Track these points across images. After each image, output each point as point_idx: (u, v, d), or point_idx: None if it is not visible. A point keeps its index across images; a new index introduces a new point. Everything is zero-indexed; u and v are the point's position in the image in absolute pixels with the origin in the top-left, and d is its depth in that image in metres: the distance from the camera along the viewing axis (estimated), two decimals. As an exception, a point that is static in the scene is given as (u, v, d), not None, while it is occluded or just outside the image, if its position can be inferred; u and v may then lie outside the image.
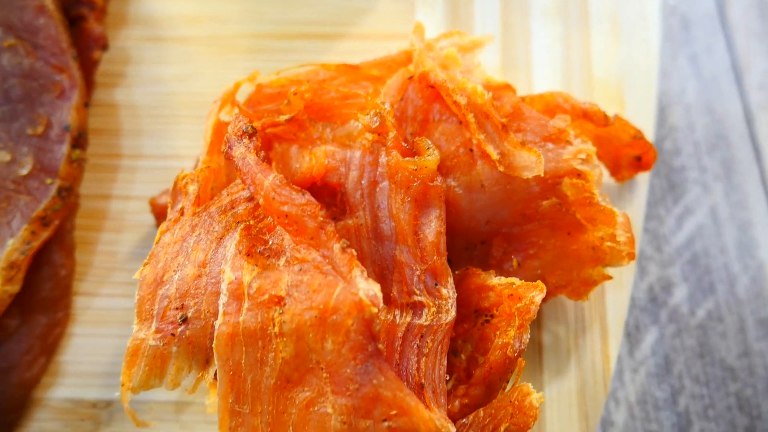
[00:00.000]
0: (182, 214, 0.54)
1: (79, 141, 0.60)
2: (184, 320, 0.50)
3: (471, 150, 0.57)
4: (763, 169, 0.72)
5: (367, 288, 0.47)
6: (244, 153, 0.51)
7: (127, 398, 0.51)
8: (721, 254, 0.70)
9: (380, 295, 0.47)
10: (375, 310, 0.47)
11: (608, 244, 0.56)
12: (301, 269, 0.49)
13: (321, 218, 0.49)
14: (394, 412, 0.46)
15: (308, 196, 0.50)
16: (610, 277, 0.57)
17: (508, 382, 0.54)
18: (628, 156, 0.63)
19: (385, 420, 0.47)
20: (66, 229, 0.61)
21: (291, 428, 0.49)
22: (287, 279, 0.48)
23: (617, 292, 0.62)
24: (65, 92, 0.60)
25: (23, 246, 0.56)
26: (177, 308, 0.50)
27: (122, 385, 0.51)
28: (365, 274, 0.48)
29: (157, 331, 0.50)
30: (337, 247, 0.49)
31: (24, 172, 0.58)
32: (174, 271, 0.52)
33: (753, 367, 0.67)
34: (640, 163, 0.63)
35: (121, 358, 0.60)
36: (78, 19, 0.64)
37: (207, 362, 0.51)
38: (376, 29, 0.68)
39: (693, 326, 0.68)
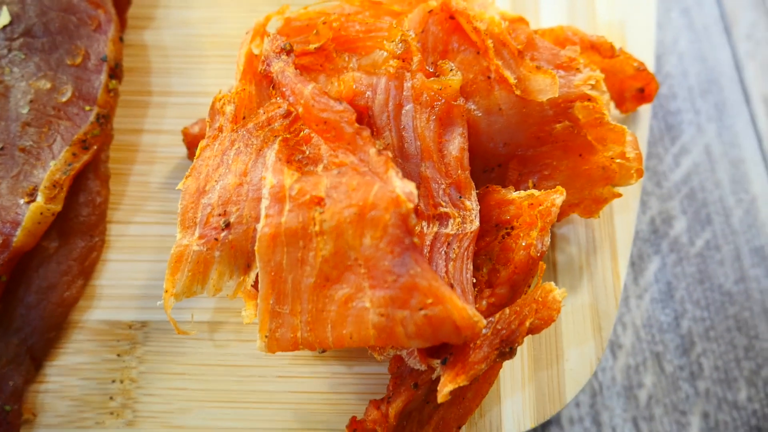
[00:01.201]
0: (221, 131, 0.57)
1: (116, 72, 0.62)
2: (227, 225, 0.53)
3: (489, 77, 0.61)
4: (752, 111, 0.77)
5: (403, 185, 0.51)
6: (282, 67, 0.54)
7: (170, 304, 0.53)
8: (716, 189, 0.75)
9: (415, 191, 0.50)
10: (411, 205, 0.50)
11: (618, 161, 0.60)
12: (339, 172, 0.52)
13: (357, 124, 0.52)
14: (430, 300, 0.50)
15: (345, 104, 0.53)
16: (619, 195, 0.61)
17: (529, 286, 0.58)
18: (632, 88, 0.67)
19: (421, 309, 0.50)
20: (101, 159, 0.63)
21: (329, 325, 0.52)
22: (326, 181, 0.51)
23: (625, 214, 0.66)
24: (101, 26, 0.63)
25: (65, 167, 0.59)
26: (219, 214, 0.53)
27: (165, 291, 0.53)
28: (400, 174, 0.51)
29: (201, 236, 0.53)
30: (372, 150, 0.52)
31: (64, 99, 0.61)
32: (215, 181, 0.54)
33: (749, 291, 0.72)
34: (643, 95, 0.67)
35: (155, 282, 0.62)
36: (110, -40, 0.67)
37: (248, 266, 0.54)
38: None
39: (692, 255, 0.73)
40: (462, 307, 0.50)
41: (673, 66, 0.79)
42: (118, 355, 0.60)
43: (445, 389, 0.51)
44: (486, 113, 0.60)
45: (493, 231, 0.60)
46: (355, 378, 0.61)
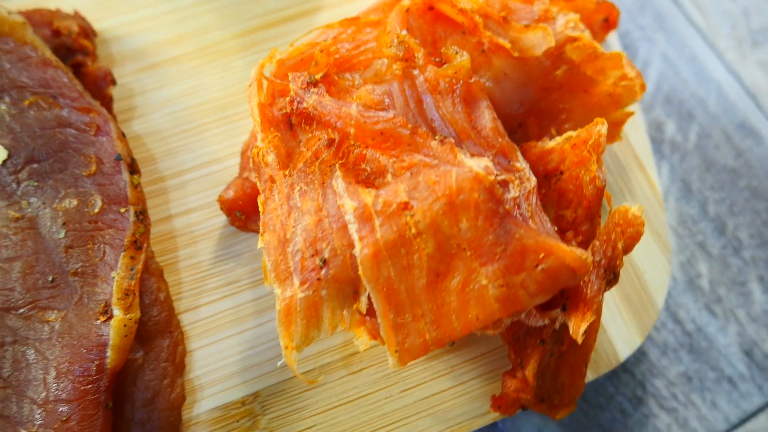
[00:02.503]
0: (273, 181, 0.57)
1: (133, 166, 0.61)
2: (324, 262, 0.53)
3: (483, 51, 0.64)
4: (685, 11, 0.85)
5: (477, 162, 0.53)
6: (317, 99, 0.55)
7: (294, 359, 0.53)
8: (686, 86, 0.82)
9: (491, 164, 0.53)
10: (492, 177, 0.52)
11: (622, 84, 0.65)
12: (412, 173, 0.53)
13: (410, 125, 0.54)
14: (542, 255, 0.52)
15: (392, 111, 0.55)
16: (632, 113, 0.66)
17: (600, 217, 0.61)
18: (597, 20, 0.73)
19: (537, 265, 0.52)
20: (148, 255, 0.61)
21: (453, 316, 0.54)
22: (404, 186, 0.53)
23: (635, 130, 0.71)
24: (101, 128, 0.61)
25: (128, 272, 0.57)
26: (312, 255, 0.53)
27: (285, 348, 0.53)
28: (468, 154, 0.54)
29: (302, 282, 0.53)
30: (434, 143, 0.54)
31: (96, 209, 0.59)
32: (293, 227, 0.54)
33: (748, 161, 0.79)
34: (608, 23, 0.73)
35: (248, 352, 0.62)
36: (77, 66, 0.65)
37: (356, 293, 0.54)
38: (345, -7, 0.74)
39: (691, 149, 0.79)
40: (570, 251, 0.53)
41: (605, -5, 0.86)
42: (244, 435, 0.59)
43: (580, 329, 0.54)
44: (495, 82, 0.64)
45: (544, 182, 0.63)
46: (472, 363, 0.62)
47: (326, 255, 0.53)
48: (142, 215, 0.60)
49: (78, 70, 0.65)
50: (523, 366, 0.58)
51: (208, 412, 0.59)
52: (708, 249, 0.75)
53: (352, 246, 0.53)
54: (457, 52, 0.61)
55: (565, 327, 0.58)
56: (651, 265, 0.66)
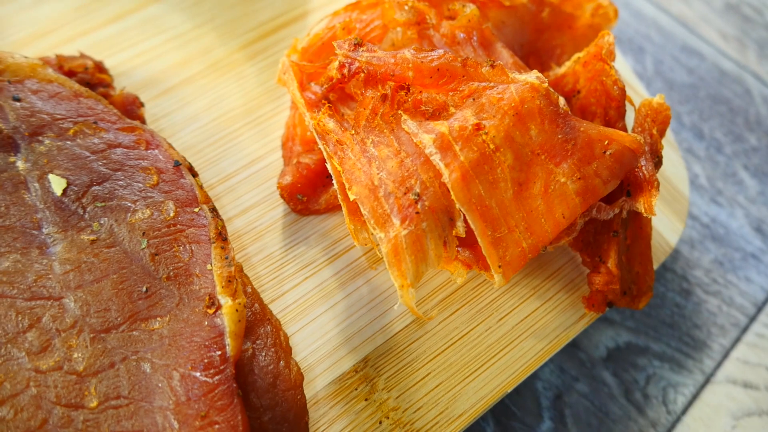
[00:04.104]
0: (341, 143, 0.59)
1: (193, 170, 0.61)
2: (417, 196, 0.56)
3: (478, 6, 0.71)
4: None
5: (529, 75, 0.58)
6: (370, 55, 0.59)
7: (411, 296, 0.55)
8: (628, 27, 0.93)
9: (539, 73, 0.58)
10: (545, 84, 0.58)
11: (600, 12, 0.74)
12: (474, 98, 0.58)
13: (460, 57, 0.59)
14: (606, 141, 0.58)
15: (440, 49, 0.59)
16: (614, 37, 0.75)
17: (625, 123, 0.68)
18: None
19: (605, 151, 0.58)
20: (223, 254, 0.61)
21: (543, 219, 0.58)
22: (470, 111, 0.57)
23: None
24: (150, 142, 0.62)
25: (224, 261, 0.57)
26: (405, 193, 0.56)
27: (401, 287, 0.55)
28: (516, 72, 0.59)
29: (403, 219, 0.55)
30: (486, 68, 0.59)
31: (171, 214, 0.58)
32: (377, 174, 0.57)
33: (701, 75, 0.90)
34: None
35: (343, 324, 0.62)
36: (103, 97, 0.65)
37: (451, 220, 0.57)
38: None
39: (652, 75, 0.89)
40: (627, 135, 0.59)
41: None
42: (366, 399, 0.59)
43: (652, 204, 0.59)
44: (497, 30, 0.70)
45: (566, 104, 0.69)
46: (551, 280, 0.66)
47: (418, 189, 0.56)
48: (215, 211, 0.60)
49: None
50: (604, 260, 0.63)
51: (325, 388, 0.59)
52: (696, 152, 0.84)
53: (439, 175, 0.56)
54: (464, 5, 0.67)
55: (627, 221, 0.64)
56: (668, 163, 0.74)
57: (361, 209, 0.56)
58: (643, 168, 0.61)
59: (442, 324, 0.63)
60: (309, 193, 0.66)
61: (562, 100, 0.60)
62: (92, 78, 0.66)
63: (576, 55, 0.68)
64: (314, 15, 0.78)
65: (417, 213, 0.56)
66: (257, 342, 0.58)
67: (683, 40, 0.92)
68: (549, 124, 0.57)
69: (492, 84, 0.58)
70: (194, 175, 0.61)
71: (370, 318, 0.62)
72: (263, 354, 0.58)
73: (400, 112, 0.59)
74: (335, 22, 0.69)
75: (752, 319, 0.74)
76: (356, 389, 0.59)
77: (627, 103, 0.66)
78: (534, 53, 0.74)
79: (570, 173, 0.57)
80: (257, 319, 0.59)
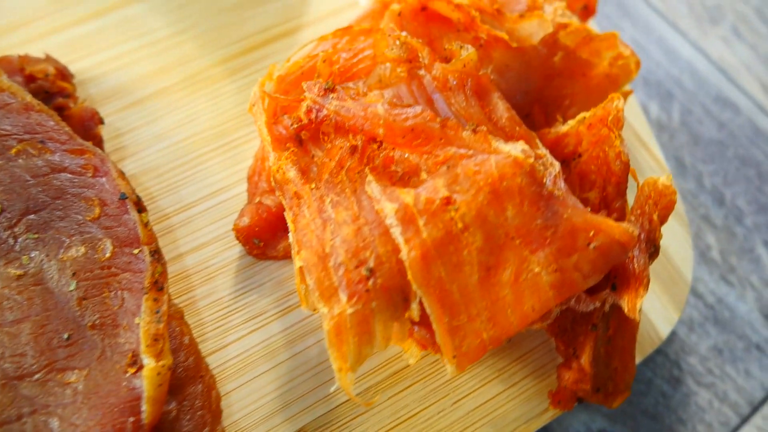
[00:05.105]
0: (299, 197, 0.54)
1: (140, 204, 0.57)
2: (371, 272, 0.50)
3: (480, 45, 0.64)
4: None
5: (514, 147, 0.52)
6: (339, 104, 0.53)
7: (350, 381, 0.50)
8: (660, 68, 0.84)
9: (527, 147, 0.52)
10: (531, 160, 0.51)
11: (619, 63, 0.66)
12: (448, 167, 0.52)
13: (439, 118, 0.53)
14: (592, 233, 0.51)
15: (419, 105, 0.53)
16: (631, 91, 0.67)
17: (626, 199, 0.61)
18: (577, 8, 0.74)
19: (589, 244, 0.51)
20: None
21: (509, 310, 0.52)
22: (442, 181, 0.51)
23: (632, 109, 0.72)
24: (98, 168, 0.57)
25: (154, 315, 0.52)
26: (357, 266, 0.50)
27: (339, 370, 0.50)
28: (502, 141, 0.53)
29: (350, 296, 0.50)
30: (467, 133, 0.53)
31: (107, 254, 0.54)
32: (331, 240, 0.51)
33: (731, 130, 0.81)
34: (587, 10, 0.74)
35: (287, 386, 0.58)
36: (60, 109, 0.61)
37: (406, 300, 0.51)
38: (323, 11, 0.73)
39: (677, 126, 0.81)
40: (617, 226, 0.52)
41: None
42: (297, 476, 0.54)
43: (636, 305, 0.53)
44: (498, 74, 0.63)
45: (563, 167, 0.62)
46: (519, 363, 0.60)
47: (371, 264, 0.50)
48: (157, 254, 0.55)
49: (61, 113, 0.61)
50: (578, 355, 0.56)
51: (255, 457, 0.55)
52: (712, 220, 0.76)
53: (397, 251, 0.50)
54: (462, 47, 0.60)
55: (611, 311, 0.57)
56: (673, 239, 0.66)
57: (306, 278, 0.51)
58: (634, 260, 0.54)
59: (392, 400, 0.58)
60: (267, 238, 0.60)
61: (550, 176, 0.54)
62: (52, 86, 0.61)
63: (582, 115, 0.61)
64: (308, 31, 0.72)
65: (367, 291, 0.50)
66: (184, 402, 0.54)
67: (718, 88, 0.83)
68: (529, 206, 0.51)
69: (471, 152, 0.52)
70: (141, 210, 0.57)
71: (315, 384, 0.57)
72: (188, 417, 0.53)
73: (366, 170, 0.53)
74: (319, 50, 0.63)
75: (745, 420, 0.67)
76: (288, 462, 0.55)
77: (631, 177, 0.58)
78: (540, 101, 0.66)
79: (546, 263, 0.51)
80: (189, 376, 0.55)
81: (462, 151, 0.52)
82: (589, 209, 0.58)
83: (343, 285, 0.50)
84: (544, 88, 0.66)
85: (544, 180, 0.51)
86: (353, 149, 0.54)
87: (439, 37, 0.65)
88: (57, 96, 0.61)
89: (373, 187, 0.52)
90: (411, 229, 0.50)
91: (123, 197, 0.56)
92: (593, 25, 0.77)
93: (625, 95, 0.67)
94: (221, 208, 0.63)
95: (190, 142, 0.65)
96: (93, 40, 0.68)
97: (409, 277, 0.50)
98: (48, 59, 0.64)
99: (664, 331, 0.63)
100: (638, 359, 0.62)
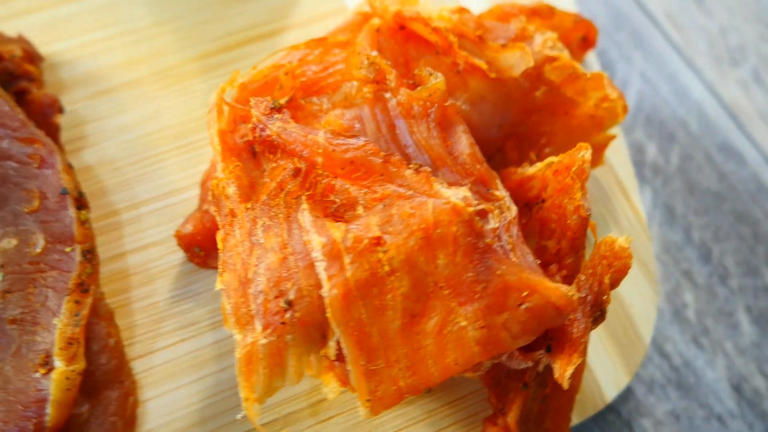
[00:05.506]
0: (234, 215, 0.52)
1: (81, 201, 0.56)
2: (289, 304, 0.49)
3: (458, 72, 0.61)
4: (662, 29, 0.83)
5: (455, 193, 0.49)
6: (282, 126, 0.51)
7: (256, 412, 0.48)
8: (666, 106, 0.79)
9: (469, 194, 0.49)
10: (471, 209, 0.49)
11: (604, 105, 0.62)
12: (385, 205, 0.49)
13: (383, 153, 0.50)
14: (525, 293, 0.48)
15: (362, 138, 0.51)
16: (614, 136, 0.63)
17: (584, 248, 0.58)
18: (576, 39, 0.70)
19: (520, 304, 0.48)
20: (97, 297, 0.56)
21: (430, 360, 0.49)
22: (376, 219, 0.49)
23: (616, 152, 0.68)
24: (45, 160, 0.56)
25: (72, 318, 0.52)
26: (276, 297, 0.49)
27: (246, 400, 0.48)
28: (446, 184, 0.50)
29: (265, 327, 0.48)
30: (409, 172, 0.50)
31: (38, 249, 0.54)
32: (255, 265, 0.50)
33: (732, 185, 0.76)
34: (586, 42, 0.70)
35: (209, 400, 0.57)
36: (21, 93, 0.60)
37: (324, 337, 0.50)
38: (311, 14, 0.70)
39: (674, 171, 0.77)
40: (555, 287, 0.49)
41: (582, 12, 0.83)
42: (202, 495, 0.54)
43: (566, 373, 0.50)
44: (472, 105, 0.60)
45: (525, 211, 0.59)
46: (451, 407, 0.58)
47: (291, 296, 0.49)
48: (90, 254, 0.54)
49: (22, 97, 0.60)
50: (505, 412, 0.54)
51: (164, 469, 0.54)
52: (694, 277, 0.72)
53: (319, 286, 0.48)
54: (431, 74, 0.57)
55: (549, 369, 0.54)
56: (637, 297, 0.63)
57: (225, 302, 0.50)
58: (575, 324, 0.51)
59: (311, 430, 0.56)
60: (209, 247, 0.59)
61: (494, 226, 0.51)
62: (17, 68, 0.61)
63: (550, 159, 0.58)
64: (292, 34, 0.70)
65: (283, 323, 0.48)
66: (98, 406, 0.54)
67: (726, 135, 0.78)
68: (462, 256, 0.48)
69: (410, 193, 0.49)
70: (82, 207, 0.56)
71: (236, 402, 0.56)
72: (98, 422, 0.53)
73: (303, 198, 0.51)
74: (288, 60, 0.61)
75: (691, 494, 0.64)
76: (196, 479, 0.54)
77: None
78: (515, 138, 0.63)
79: (473, 318, 0.48)
80: (108, 380, 0.55)
81: (401, 190, 0.49)
82: (538, 261, 0.55)
83: (260, 314, 0.49)
84: (521, 123, 0.63)
85: (483, 231, 0.49)
86: (296, 172, 0.52)
87: (417, 58, 0.62)
88: (21, 79, 0.61)
89: (305, 216, 0.50)
90: (335, 266, 0.48)
91: (64, 192, 0.55)
92: (593, 58, 0.73)
93: (608, 140, 0.64)
94: (172, 210, 0.62)
95: (152, 138, 0.64)
96: (71, 23, 0.67)
97: (328, 314, 0.48)
98: (19, 39, 0.63)
99: (610, 394, 0.60)
100: (577, 420, 0.59)
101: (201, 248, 0.59)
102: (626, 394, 0.67)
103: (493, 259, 0.48)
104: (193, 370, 0.57)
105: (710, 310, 0.71)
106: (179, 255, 0.60)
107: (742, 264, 0.73)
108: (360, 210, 0.50)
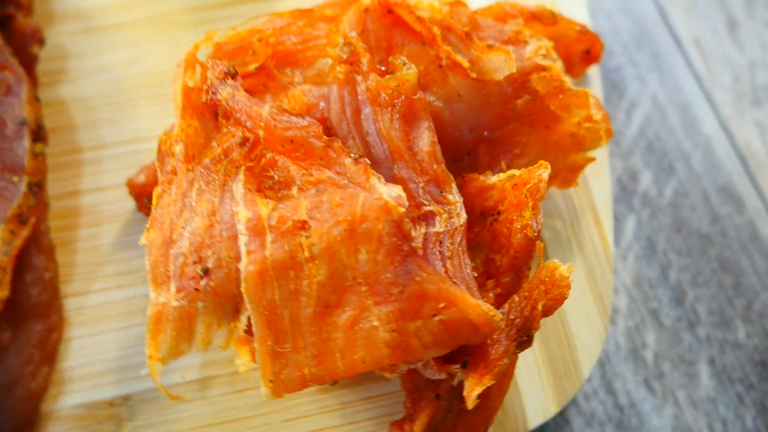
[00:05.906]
0: (175, 174, 0.52)
1: (39, 134, 0.56)
2: (206, 272, 0.48)
3: (440, 65, 0.58)
4: (686, 53, 0.78)
5: (389, 190, 0.47)
6: (231, 93, 0.50)
7: (157, 371, 0.48)
8: (671, 136, 0.75)
9: (403, 194, 0.47)
10: (402, 209, 0.47)
11: (586, 125, 0.59)
12: (317, 190, 0.48)
13: (326, 137, 0.49)
14: (442, 305, 0.47)
15: (309, 119, 0.49)
16: (592, 159, 0.60)
17: (529, 269, 0.55)
18: (578, 51, 0.66)
19: (434, 315, 0.47)
20: (41, 230, 0.57)
21: (338, 354, 0.48)
22: (306, 203, 0.48)
23: (598, 177, 0.65)
24: (12, 88, 0.57)
25: (4, 247, 0.52)
26: (195, 262, 0.48)
27: (149, 357, 0.48)
28: (383, 180, 0.48)
29: (179, 290, 0.48)
30: (348, 161, 0.49)
31: (-14, 174, 0.54)
32: (182, 227, 0.50)
33: (725, 230, 0.72)
34: (589, 56, 0.67)
35: (130, 350, 0.57)
36: (6, 18, 0.61)
37: (236, 311, 0.49)
38: (313, -18, 0.69)
39: (664, 206, 0.73)
40: (476, 304, 0.47)
41: (604, 25, 0.79)
42: (106, 440, 0.54)
43: (473, 393, 0.48)
44: (446, 102, 0.58)
45: (480, 220, 0.57)
46: (367, 403, 0.57)
47: (210, 264, 0.48)
48: (36, 187, 0.55)
49: (6, 23, 0.61)
50: (413, 419, 0.53)
51: (72, 408, 0.55)
52: (661, 318, 0.69)
53: (239, 259, 0.48)
54: (405, 64, 0.55)
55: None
56: (586, 329, 0.60)
57: (146, 257, 0.49)
58: (494, 346, 0.50)
59: (225, 398, 0.56)
60: (158, 200, 0.59)
61: (424, 230, 0.49)
62: (7, -8, 0.61)
63: (512, 172, 0.55)
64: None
65: (196, 289, 0.48)
66: (19, 335, 0.55)
67: (730, 178, 0.74)
68: (384, 256, 0.47)
69: (344, 182, 0.48)
70: (38, 140, 0.56)
71: (156, 358, 0.56)
72: (16, 350, 0.54)
73: (242, 169, 0.50)
74: (269, 26, 0.59)
75: None
76: (101, 423, 0.55)
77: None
78: (488, 143, 0.61)
79: (386, 320, 0.47)
80: (35, 312, 0.55)
81: (336, 178, 0.48)
82: (476, 274, 0.54)
83: (176, 276, 0.48)
84: (497, 128, 0.60)
85: (411, 234, 0.47)
86: (244, 141, 0.52)
87: (402, 45, 0.60)
88: (8, 4, 0.61)
89: (238, 187, 0.49)
90: (257, 242, 0.47)
91: (23, 122, 0.56)
92: (597, 74, 0.69)
93: (586, 161, 0.60)
94: (135, 156, 0.62)
95: (130, 83, 0.64)
96: (74, -45, 0.67)
97: (243, 289, 0.47)
98: (18, -36, 0.63)
99: (534, 421, 0.58)
100: (494, 442, 0.57)
101: (150, 200, 0.59)
102: (562, 424, 0.65)
103: (415, 264, 0.47)
104: (121, 318, 0.58)
105: (670, 355, 0.68)
106: (132, 203, 0.61)
107: (716, 314, 0.69)
108: (294, 191, 0.49)
